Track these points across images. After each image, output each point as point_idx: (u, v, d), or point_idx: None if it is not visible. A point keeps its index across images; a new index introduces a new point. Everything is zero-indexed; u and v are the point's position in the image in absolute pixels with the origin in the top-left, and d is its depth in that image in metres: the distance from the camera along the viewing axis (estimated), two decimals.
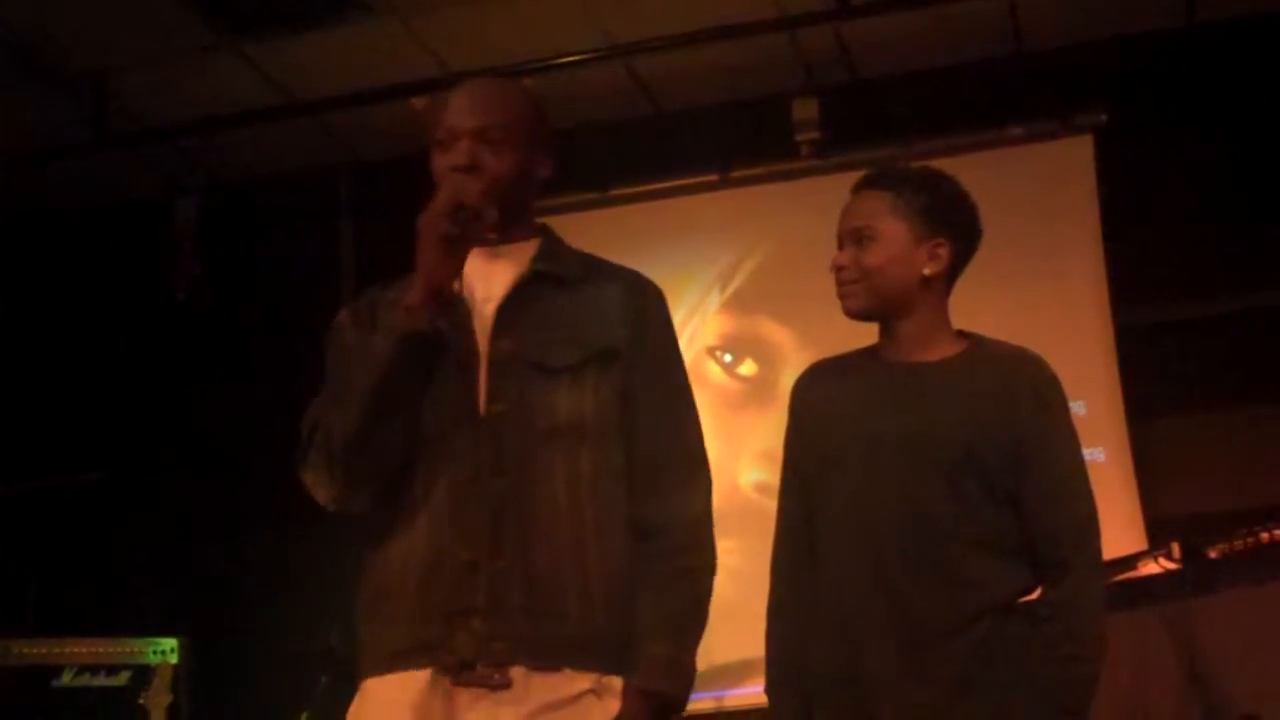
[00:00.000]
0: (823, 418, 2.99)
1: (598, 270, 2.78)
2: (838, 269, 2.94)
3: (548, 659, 2.47)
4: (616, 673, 2.52)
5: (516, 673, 2.46)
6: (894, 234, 2.91)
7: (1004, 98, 6.81)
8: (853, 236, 2.93)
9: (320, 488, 2.58)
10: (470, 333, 2.60)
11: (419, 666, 2.46)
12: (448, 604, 2.48)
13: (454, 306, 2.58)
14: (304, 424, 2.58)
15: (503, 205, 2.58)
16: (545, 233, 2.79)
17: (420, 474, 2.54)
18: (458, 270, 2.54)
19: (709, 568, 2.71)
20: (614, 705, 2.50)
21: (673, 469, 2.69)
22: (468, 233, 2.50)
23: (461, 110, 2.69)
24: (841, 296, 2.95)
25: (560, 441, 2.56)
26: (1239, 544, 4.34)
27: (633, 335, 2.67)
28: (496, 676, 2.45)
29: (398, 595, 2.52)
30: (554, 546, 2.51)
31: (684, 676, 2.59)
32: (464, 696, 2.45)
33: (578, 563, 2.53)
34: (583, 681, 2.49)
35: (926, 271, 2.93)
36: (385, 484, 2.55)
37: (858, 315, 2.96)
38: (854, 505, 2.86)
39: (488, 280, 2.65)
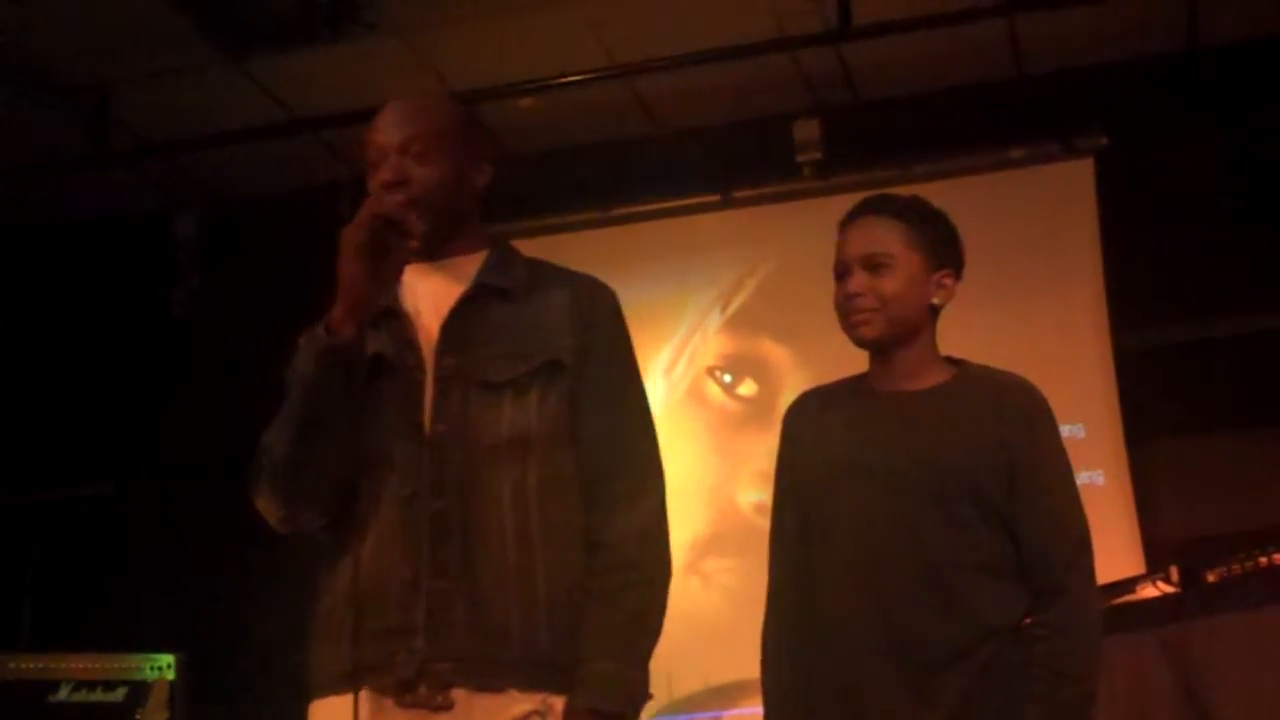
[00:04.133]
0: (812, 448, 2.98)
1: (547, 278, 2.75)
2: (851, 296, 2.90)
3: (490, 680, 2.44)
4: (563, 693, 2.47)
5: (459, 694, 2.43)
6: (910, 263, 2.90)
7: (1004, 120, 6.82)
8: (866, 263, 2.89)
9: (268, 511, 2.56)
10: (416, 349, 2.58)
11: (361, 688, 2.42)
12: (389, 624, 2.45)
13: (400, 323, 2.58)
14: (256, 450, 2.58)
15: (436, 216, 2.58)
16: (496, 244, 2.77)
17: (365, 493, 2.52)
18: (383, 284, 2.51)
19: (659, 580, 2.64)
20: None
21: (620, 479, 2.61)
22: (390, 245, 2.47)
23: (386, 127, 2.69)
24: (856, 323, 2.91)
25: (505, 457, 2.52)
26: (1238, 568, 4.33)
27: (579, 344, 2.63)
28: (439, 698, 2.42)
29: (342, 615, 2.49)
30: (498, 565, 2.48)
31: (630, 693, 2.52)
32: (404, 718, 2.44)
33: (524, 580, 2.48)
34: (527, 703, 2.45)
35: (935, 301, 2.93)
36: (332, 504, 2.53)
37: (872, 343, 2.93)
38: (850, 536, 2.85)
39: (435, 296, 2.63)
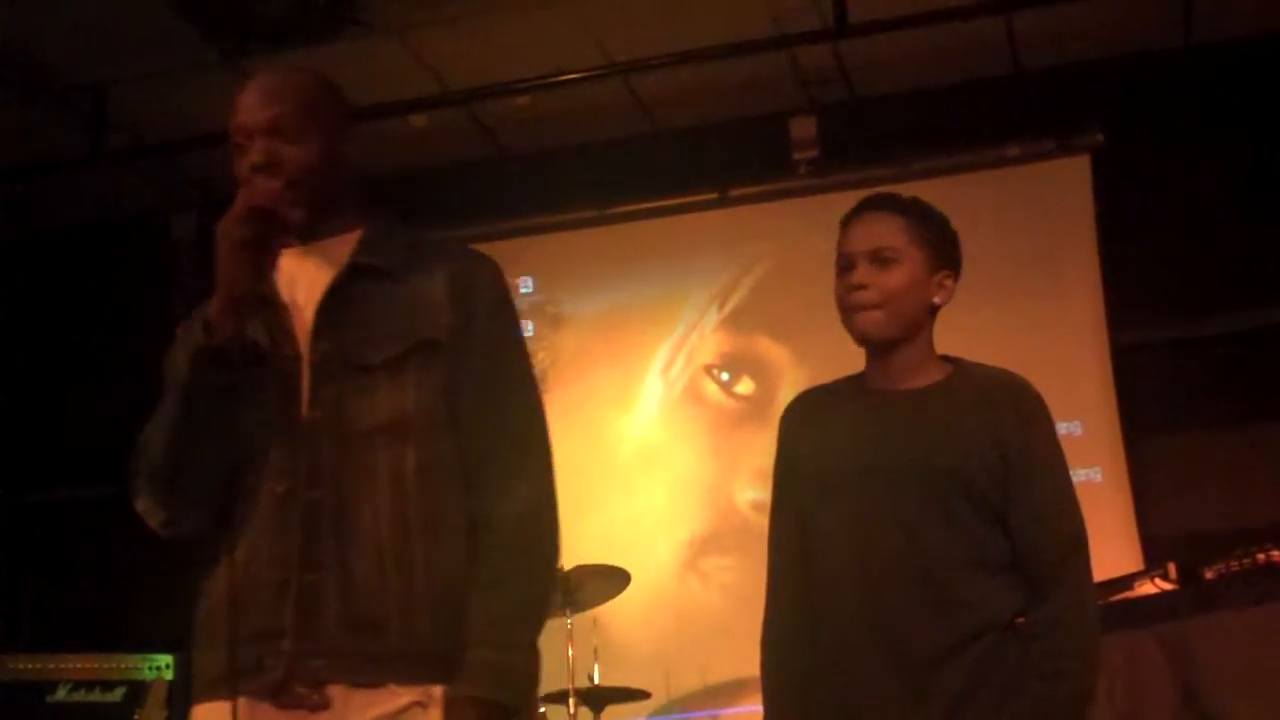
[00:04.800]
0: (809, 449, 2.98)
1: (428, 255, 2.58)
2: (856, 288, 2.89)
3: (368, 675, 2.36)
4: (445, 682, 2.37)
5: (336, 691, 2.35)
6: (916, 260, 2.89)
7: (1001, 118, 6.82)
8: (872, 257, 2.88)
9: (149, 514, 2.47)
10: (292, 338, 2.48)
11: (236, 693, 2.33)
12: (259, 626, 2.37)
13: (276, 312, 2.48)
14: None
15: (312, 197, 2.50)
16: (370, 221, 2.61)
17: (243, 491, 2.42)
18: (261, 277, 2.42)
19: (545, 563, 2.51)
20: (436, 716, 2.37)
21: (501, 461, 2.49)
22: (266, 236, 2.39)
23: (250, 108, 2.54)
24: (856, 319, 2.89)
25: (381, 442, 2.42)
26: (1235, 565, 4.33)
27: (458, 321, 2.50)
28: (314, 697, 2.34)
29: (217, 619, 2.41)
30: (374, 554, 2.38)
31: (514, 681, 2.41)
32: None
33: (402, 568, 2.38)
34: (407, 695, 2.36)
35: (936, 301, 2.92)
36: (213, 504, 2.44)
37: (875, 340, 2.91)
38: (847, 534, 2.85)
39: (309, 280, 2.52)
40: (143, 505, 2.48)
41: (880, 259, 2.87)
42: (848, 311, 2.90)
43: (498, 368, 2.55)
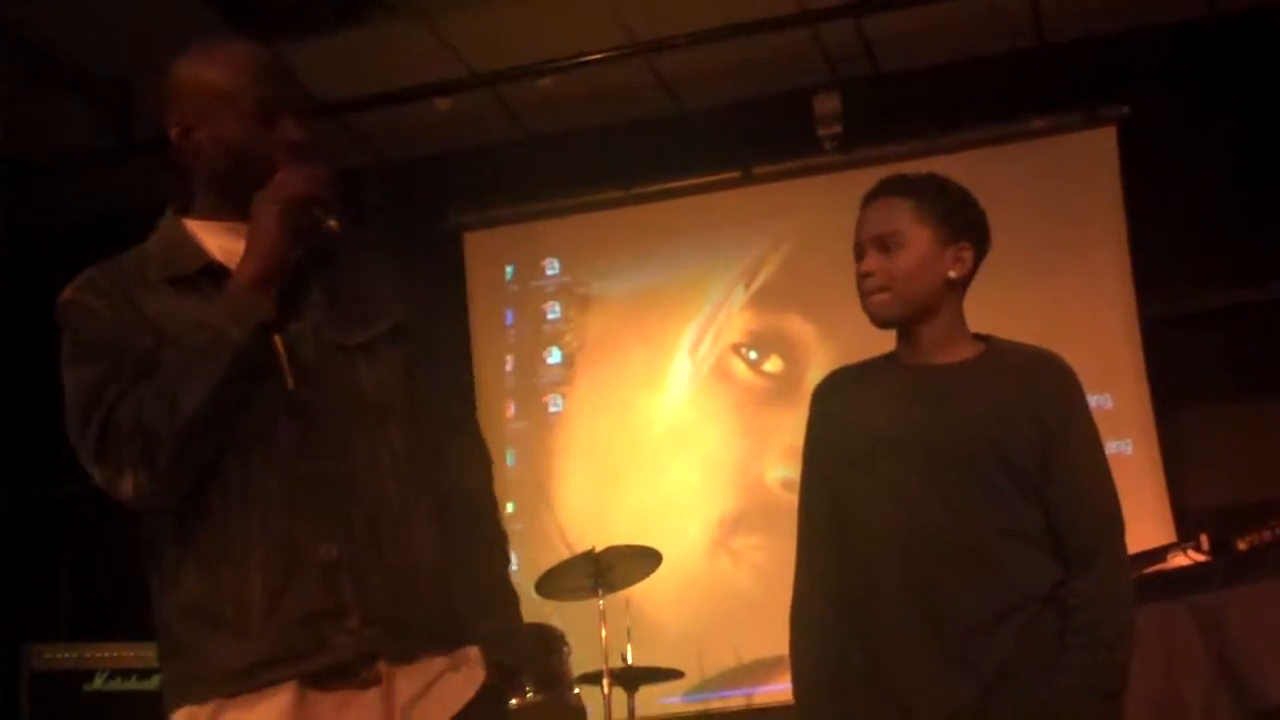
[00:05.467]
0: (845, 423, 2.99)
1: (356, 241, 2.58)
2: (864, 275, 2.94)
3: (410, 649, 2.37)
4: (468, 643, 2.43)
5: (383, 668, 2.34)
6: (920, 239, 2.91)
7: (1026, 91, 6.80)
8: (877, 243, 2.93)
9: (130, 480, 2.32)
10: None
11: (280, 680, 2.28)
12: (311, 606, 2.31)
13: (224, 287, 2.39)
14: (90, 411, 2.36)
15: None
16: None
17: (231, 462, 2.34)
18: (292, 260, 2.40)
19: (505, 537, 2.64)
20: (477, 673, 2.42)
21: (460, 438, 2.61)
22: (314, 226, 2.39)
23: (286, 80, 2.52)
24: (869, 305, 2.94)
25: (371, 420, 2.42)
26: (1268, 535, 4.32)
27: (405, 308, 2.54)
28: (368, 674, 2.33)
29: (238, 601, 2.31)
30: (395, 529, 2.39)
31: (522, 646, 2.58)
32: (327, 704, 2.32)
33: (416, 543, 2.42)
34: (439, 663, 2.39)
35: (951, 275, 2.93)
36: (198, 475, 2.35)
37: (886, 323, 2.96)
38: (885, 506, 2.87)
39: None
40: (121, 470, 2.33)
41: (884, 244, 2.91)
42: (861, 297, 2.94)
43: (436, 355, 2.62)
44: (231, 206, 2.46)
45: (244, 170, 2.43)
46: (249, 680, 2.29)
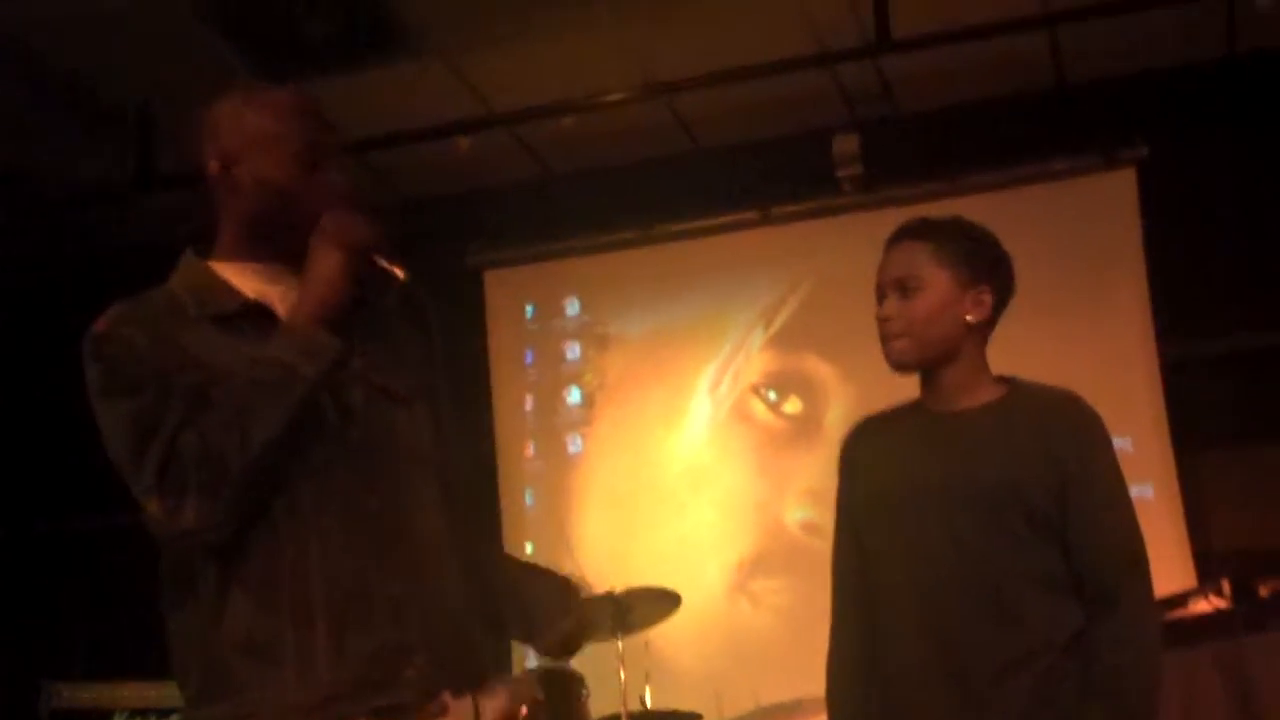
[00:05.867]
0: (869, 474, 3.01)
1: (386, 292, 2.57)
2: (884, 320, 2.94)
3: (469, 681, 2.42)
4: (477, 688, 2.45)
5: (446, 700, 2.38)
6: (939, 283, 2.92)
7: (1046, 132, 6.80)
8: (896, 286, 2.94)
9: (193, 510, 2.30)
10: None
11: (351, 715, 2.30)
12: (379, 641, 2.34)
13: (273, 326, 2.42)
14: (147, 441, 2.34)
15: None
16: None
17: (280, 499, 2.35)
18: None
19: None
20: (521, 698, 2.51)
21: (477, 498, 2.74)
22: (375, 272, 2.42)
23: (329, 128, 2.56)
24: (888, 351, 2.95)
25: (413, 465, 2.47)
26: None
27: (434, 365, 2.61)
28: (434, 707, 2.36)
29: (301, 637, 2.32)
30: (444, 570, 2.44)
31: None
32: None
33: (465, 589, 2.47)
34: (489, 693, 2.45)
35: (970, 319, 2.93)
36: (259, 510, 2.36)
37: (905, 368, 2.97)
38: (907, 558, 2.87)
39: (286, 299, 2.45)
40: (185, 503, 2.30)
41: (904, 288, 2.92)
42: (881, 342, 2.95)
43: (455, 414, 2.66)
44: (262, 248, 2.49)
45: (284, 211, 2.46)
46: (320, 716, 2.30)
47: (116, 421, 2.41)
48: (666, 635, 6.02)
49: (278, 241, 2.46)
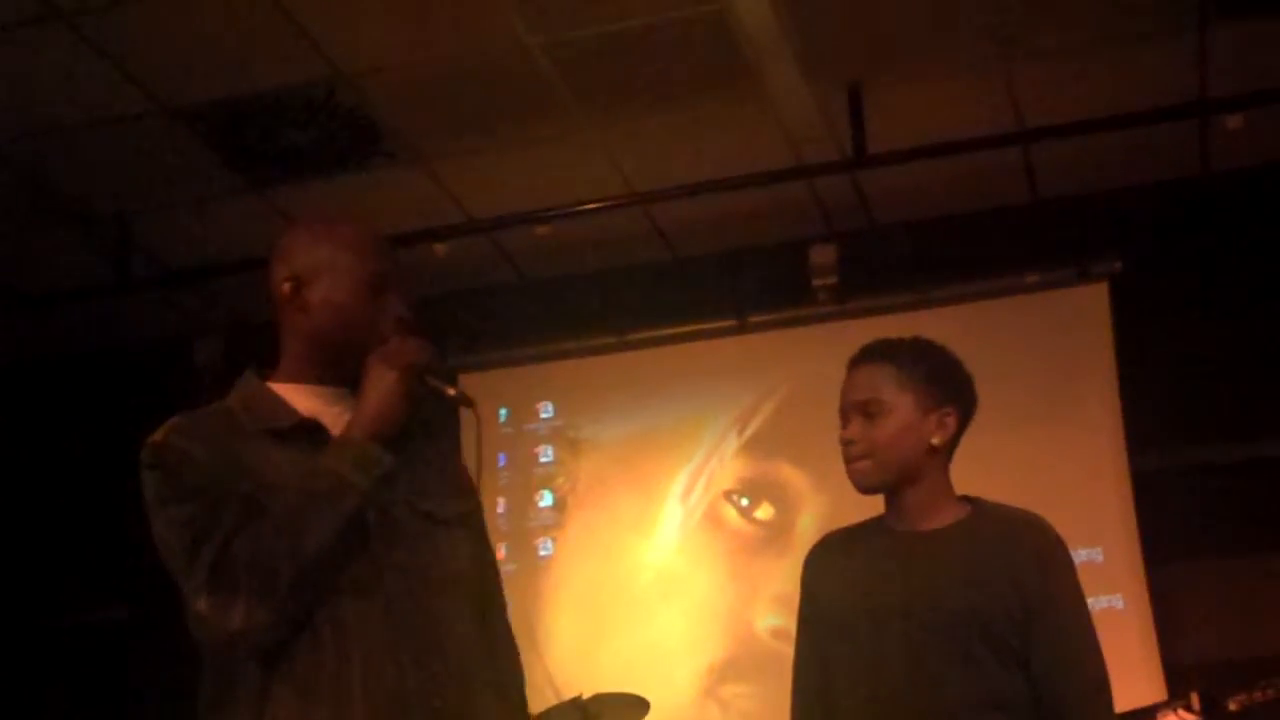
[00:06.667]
0: (829, 592, 3.01)
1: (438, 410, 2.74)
2: (847, 443, 2.97)
3: None
4: None
5: None
6: (902, 406, 2.94)
7: (1020, 245, 6.85)
8: (859, 409, 2.96)
9: (242, 611, 2.39)
10: None
11: None
12: None
13: (326, 443, 2.54)
14: (201, 545, 2.43)
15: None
16: None
17: (321, 610, 2.44)
18: None
19: None
20: None
21: (509, 625, 2.82)
22: (430, 393, 2.56)
23: (395, 259, 2.70)
24: (850, 472, 2.98)
25: (453, 588, 2.57)
26: (1259, 695, 4.30)
27: (476, 489, 2.73)
28: None
29: None
30: (479, 693, 2.54)
31: None
32: None
33: (499, 705, 2.60)
34: None
35: (934, 441, 2.95)
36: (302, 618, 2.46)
37: (868, 490, 2.99)
38: (865, 673, 2.87)
39: (339, 421, 2.58)
40: (232, 607, 2.40)
41: (867, 411, 2.94)
42: (844, 463, 2.97)
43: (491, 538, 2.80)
44: (323, 369, 2.62)
45: (349, 333, 2.58)
46: None
47: (170, 526, 2.50)
48: None
49: (339, 363, 2.60)
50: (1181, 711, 4.43)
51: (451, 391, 2.55)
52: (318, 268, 2.62)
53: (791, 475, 6.94)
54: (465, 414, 2.61)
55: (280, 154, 6.40)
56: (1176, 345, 6.55)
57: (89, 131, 6.23)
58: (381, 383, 2.51)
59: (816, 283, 6.97)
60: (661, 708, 5.79)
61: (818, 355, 6.69)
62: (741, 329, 7.19)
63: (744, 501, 7.03)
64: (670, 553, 7.04)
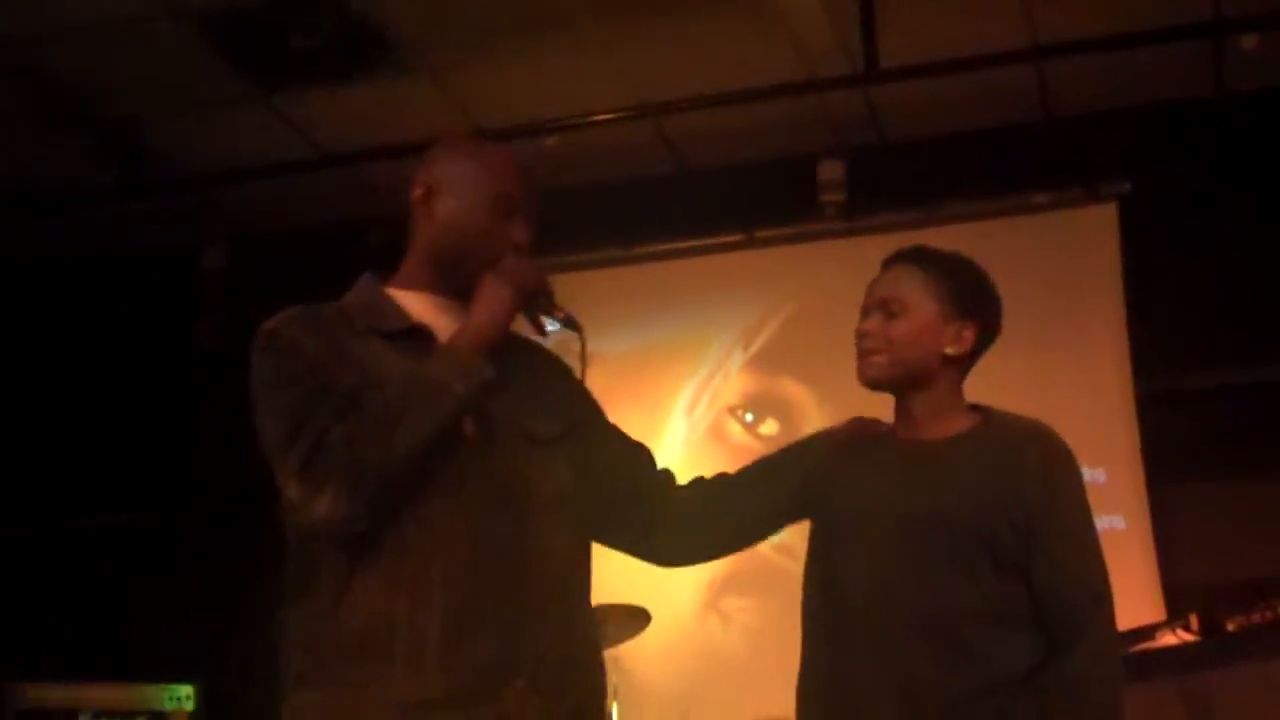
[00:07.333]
0: (835, 498, 3.00)
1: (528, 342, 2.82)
2: (862, 335, 2.96)
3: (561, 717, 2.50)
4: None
5: None
6: (924, 310, 2.93)
7: (1029, 164, 6.83)
8: (881, 306, 2.95)
9: (328, 500, 2.40)
10: None
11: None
12: (485, 655, 2.43)
13: (433, 349, 2.57)
14: (301, 428, 2.45)
15: None
16: None
17: (410, 511, 2.46)
18: None
19: None
20: None
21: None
22: (540, 314, 2.67)
23: (530, 187, 2.79)
24: (861, 364, 2.97)
25: (548, 506, 2.57)
26: (1258, 617, 4.31)
27: (584, 409, 2.81)
28: None
29: (413, 640, 2.41)
30: (562, 612, 2.56)
31: None
32: None
33: (581, 630, 2.63)
34: None
35: (949, 350, 2.94)
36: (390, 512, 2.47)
37: (874, 384, 2.98)
38: (868, 581, 2.86)
39: (448, 331, 2.61)
40: (320, 494, 2.41)
41: (889, 310, 2.93)
42: (857, 356, 2.96)
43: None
44: (438, 279, 2.68)
45: (465, 246, 2.65)
46: (420, 716, 2.40)
47: (272, 410, 2.53)
48: (636, 652, 6.02)
49: (454, 275, 2.64)
50: (1180, 632, 4.45)
51: (561, 315, 2.63)
52: (450, 180, 2.71)
53: (797, 391, 6.95)
54: (549, 340, 2.68)
55: (287, 59, 6.36)
56: (1184, 268, 6.54)
57: (97, 35, 6.20)
58: (494, 298, 2.57)
59: (824, 198, 6.96)
60: (662, 619, 5.83)
61: (824, 271, 6.70)
62: (749, 243, 7.18)
63: (749, 417, 7.04)
64: (674, 467, 6.96)
